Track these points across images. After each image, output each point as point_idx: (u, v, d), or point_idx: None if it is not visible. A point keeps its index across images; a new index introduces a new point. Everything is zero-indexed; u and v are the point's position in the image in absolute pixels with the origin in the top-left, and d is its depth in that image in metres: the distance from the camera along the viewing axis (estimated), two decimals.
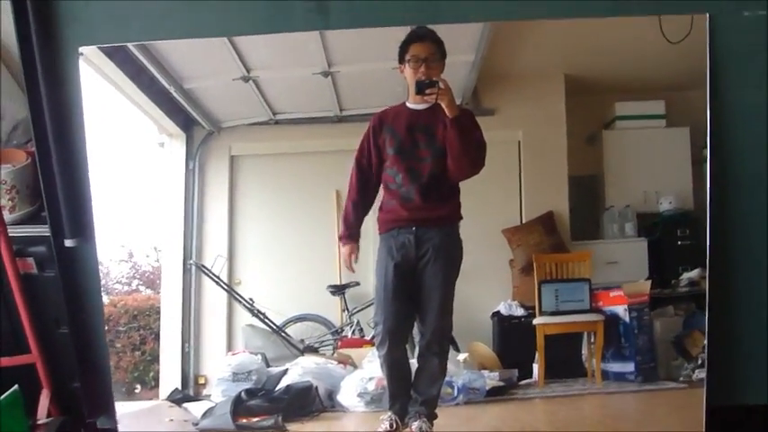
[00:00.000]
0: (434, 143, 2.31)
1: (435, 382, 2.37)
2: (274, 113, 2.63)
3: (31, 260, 2.32)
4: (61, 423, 2.34)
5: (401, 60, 2.33)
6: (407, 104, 2.37)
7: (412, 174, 2.33)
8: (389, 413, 2.40)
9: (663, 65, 2.54)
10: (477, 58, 2.50)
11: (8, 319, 2.38)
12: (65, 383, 2.44)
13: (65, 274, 2.31)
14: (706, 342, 2.24)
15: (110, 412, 2.43)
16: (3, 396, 1.96)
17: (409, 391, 2.40)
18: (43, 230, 2.30)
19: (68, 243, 2.27)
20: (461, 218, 2.40)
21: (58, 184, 2.22)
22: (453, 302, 2.37)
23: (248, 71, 2.51)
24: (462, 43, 2.47)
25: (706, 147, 2.38)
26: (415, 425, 2.34)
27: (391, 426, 2.37)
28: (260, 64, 2.51)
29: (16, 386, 2.03)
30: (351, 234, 2.40)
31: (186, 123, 2.64)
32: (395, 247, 2.35)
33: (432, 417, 2.36)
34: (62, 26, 2.21)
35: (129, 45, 2.35)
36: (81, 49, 2.28)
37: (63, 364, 2.42)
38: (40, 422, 2.17)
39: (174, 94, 2.53)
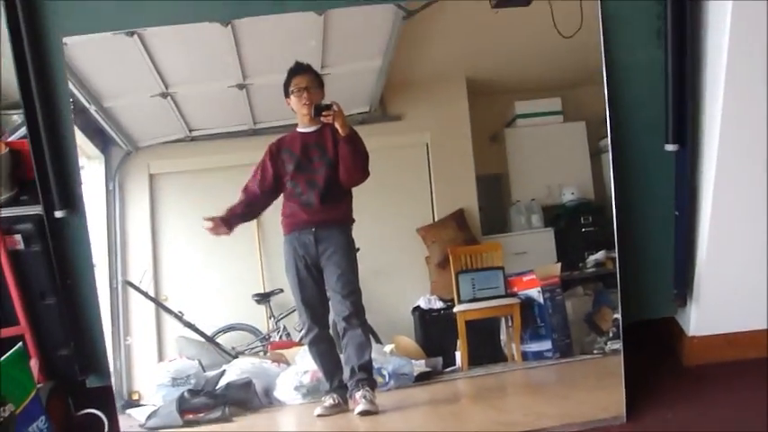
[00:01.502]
0: (326, 156, 2.72)
1: (365, 349, 2.71)
2: (190, 130, 2.81)
3: (18, 237, 2.61)
4: (53, 386, 2.65)
5: (287, 94, 2.73)
6: (299, 130, 2.76)
7: (310, 183, 2.72)
8: (330, 394, 2.73)
9: (558, 62, 2.84)
10: (385, 63, 2.77)
11: None
12: (50, 353, 2.75)
13: (56, 244, 2.63)
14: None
15: (102, 371, 2.75)
16: (8, 353, 2.21)
17: (341, 367, 2.73)
18: (28, 210, 2.64)
19: (58, 214, 2.59)
20: (354, 220, 2.77)
21: (47, 160, 2.55)
22: (359, 283, 2.75)
23: (167, 87, 2.71)
24: (370, 50, 2.78)
25: (602, 139, 2.72)
26: (358, 394, 2.67)
27: (335, 401, 2.70)
28: (178, 79, 2.72)
29: (20, 344, 2.30)
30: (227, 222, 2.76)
31: (104, 144, 2.78)
32: (298, 246, 2.74)
33: (372, 384, 2.69)
34: (46, 18, 2.50)
35: None
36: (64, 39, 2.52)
37: (48, 334, 2.74)
38: None
39: (95, 114, 2.69)
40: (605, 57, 2.63)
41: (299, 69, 2.71)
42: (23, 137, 2.75)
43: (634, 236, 2.77)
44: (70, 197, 2.63)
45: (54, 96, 2.55)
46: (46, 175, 2.57)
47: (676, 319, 3.00)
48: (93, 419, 2.80)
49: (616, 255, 2.70)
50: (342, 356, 2.75)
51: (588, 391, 2.72)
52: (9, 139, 2.81)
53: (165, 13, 2.55)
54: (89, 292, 2.71)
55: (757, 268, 2.80)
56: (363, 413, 2.66)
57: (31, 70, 2.48)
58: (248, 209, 2.78)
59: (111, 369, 2.71)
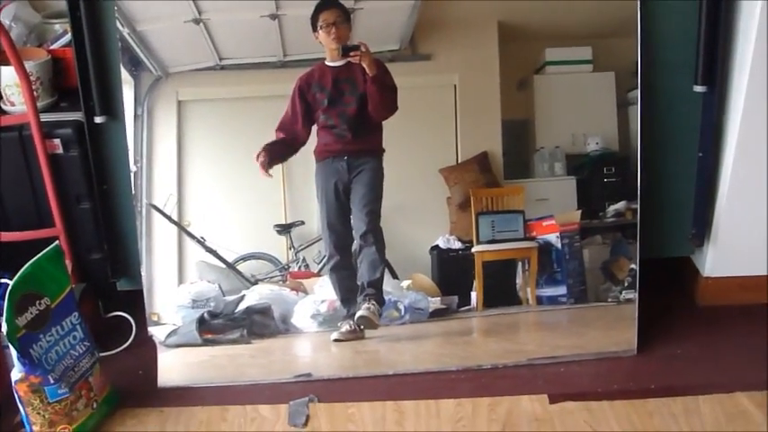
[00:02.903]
0: (356, 90, 2.86)
1: (377, 267, 2.88)
2: (221, 59, 2.92)
3: (57, 141, 2.79)
4: (85, 287, 2.87)
5: (314, 28, 2.85)
6: (327, 63, 2.89)
7: (342, 117, 2.87)
8: (347, 320, 2.89)
9: (591, 10, 2.93)
10: (418, 1, 2.86)
11: (32, 197, 2.87)
12: (83, 256, 2.96)
13: (94, 150, 2.81)
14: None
15: (133, 274, 2.95)
16: (45, 250, 2.42)
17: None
18: (68, 116, 2.83)
19: (98, 120, 2.76)
20: (384, 150, 2.91)
21: (90, 67, 2.70)
22: (380, 208, 2.92)
23: (200, 13, 2.81)
24: None
25: (630, 91, 2.85)
26: (363, 306, 2.84)
27: (350, 326, 2.87)
28: (212, 6, 2.83)
29: (57, 242, 2.51)
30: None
31: (135, 69, 2.87)
32: (330, 172, 2.90)
33: (380, 301, 2.87)
34: None
35: None
36: None
37: (82, 237, 2.94)
38: None
39: (128, 37, 2.79)
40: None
41: (326, 4, 2.83)
42: (65, 45, 2.94)
43: (657, 177, 2.91)
44: (111, 104, 2.78)
45: (99, 4, 2.69)
46: (88, 80, 2.72)
47: (692, 259, 3.15)
48: (122, 322, 3.02)
49: (638, 199, 2.84)
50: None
51: (601, 330, 2.90)
52: (51, 47, 2.99)
53: None
54: (124, 198, 2.89)
55: None
56: (361, 318, 2.86)
57: None
58: (286, 148, 2.95)
59: (143, 273, 2.88)
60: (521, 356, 2.83)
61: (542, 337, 2.98)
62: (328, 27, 2.84)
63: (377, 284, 2.90)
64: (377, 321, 2.89)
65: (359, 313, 2.88)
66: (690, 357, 2.85)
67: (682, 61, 2.79)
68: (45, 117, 2.77)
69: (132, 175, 2.86)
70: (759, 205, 2.92)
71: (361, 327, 2.89)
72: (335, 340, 2.89)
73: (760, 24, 2.62)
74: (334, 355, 2.89)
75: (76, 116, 2.81)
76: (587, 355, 2.83)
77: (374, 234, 2.91)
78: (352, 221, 2.93)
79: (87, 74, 2.72)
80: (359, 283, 2.91)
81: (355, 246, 2.93)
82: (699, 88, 2.78)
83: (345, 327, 2.89)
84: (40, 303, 2.41)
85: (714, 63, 2.74)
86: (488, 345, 2.92)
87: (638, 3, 2.72)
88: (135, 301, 2.94)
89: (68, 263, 2.74)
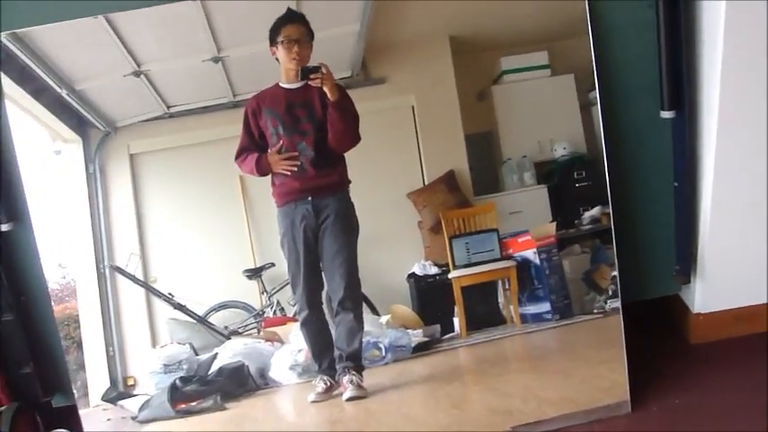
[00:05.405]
0: (314, 117, 2.65)
1: (355, 336, 2.71)
2: (168, 107, 2.79)
3: None
4: (17, 407, 2.62)
5: (273, 43, 2.63)
6: (281, 85, 2.67)
7: (299, 148, 2.65)
8: (320, 376, 2.72)
9: (543, 14, 2.81)
10: (363, 27, 2.73)
11: None
12: (12, 372, 2.71)
13: (5, 260, 2.57)
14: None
15: (65, 389, 2.71)
16: None
17: (332, 348, 2.73)
18: None
19: (4, 228, 2.53)
20: (350, 182, 2.73)
21: None
22: (357, 260, 2.73)
23: (139, 66, 2.67)
24: (347, 14, 2.72)
25: (591, 90, 2.70)
26: (345, 378, 2.67)
27: (326, 384, 2.70)
28: (150, 57, 2.69)
29: None
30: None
31: (81, 127, 2.77)
32: (296, 218, 2.69)
33: (359, 369, 2.69)
34: None
35: (15, 49, 2.51)
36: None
37: (9, 352, 2.69)
38: None
39: (67, 97, 2.66)
40: (590, 13, 2.59)
41: (291, 18, 2.60)
42: None
43: (632, 213, 2.76)
44: (15, 209, 2.57)
45: None
46: None
47: (680, 296, 2.98)
48: None
49: (610, 204, 2.69)
50: (333, 334, 2.76)
51: (590, 367, 2.73)
52: None
53: None
54: (43, 309, 2.66)
55: (763, 239, 2.76)
56: (351, 399, 2.69)
57: None
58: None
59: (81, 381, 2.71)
60: (507, 420, 2.61)
61: (529, 383, 2.77)
62: (290, 44, 2.62)
63: (356, 355, 2.74)
64: (364, 393, 2.73)
65: (345, 395, 2.70)
66: (689, 408, 2.63)
67: (646, 85, 2.64)
68: None
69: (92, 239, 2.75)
70: (744, 232, 2.76)
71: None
72: (313, 402, 2.74)
73: (726, 42, 2.45)
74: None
75: None
76: (579, 416, 2.62)
77: (352, 300, 2.74)
78: (324, 277, 2.76)
79: None
80: (337, 349, 2.76)
81: (332, 301, 2.78)
82: (666, 114, 2.60)
83: (321, 386, 2.74)
84: None
85: (680, 86, 2.57)
86: (474, 400, 2.74)
87: (588, 10, 2.58)
88: (76, 415, 2.72)
89: None
